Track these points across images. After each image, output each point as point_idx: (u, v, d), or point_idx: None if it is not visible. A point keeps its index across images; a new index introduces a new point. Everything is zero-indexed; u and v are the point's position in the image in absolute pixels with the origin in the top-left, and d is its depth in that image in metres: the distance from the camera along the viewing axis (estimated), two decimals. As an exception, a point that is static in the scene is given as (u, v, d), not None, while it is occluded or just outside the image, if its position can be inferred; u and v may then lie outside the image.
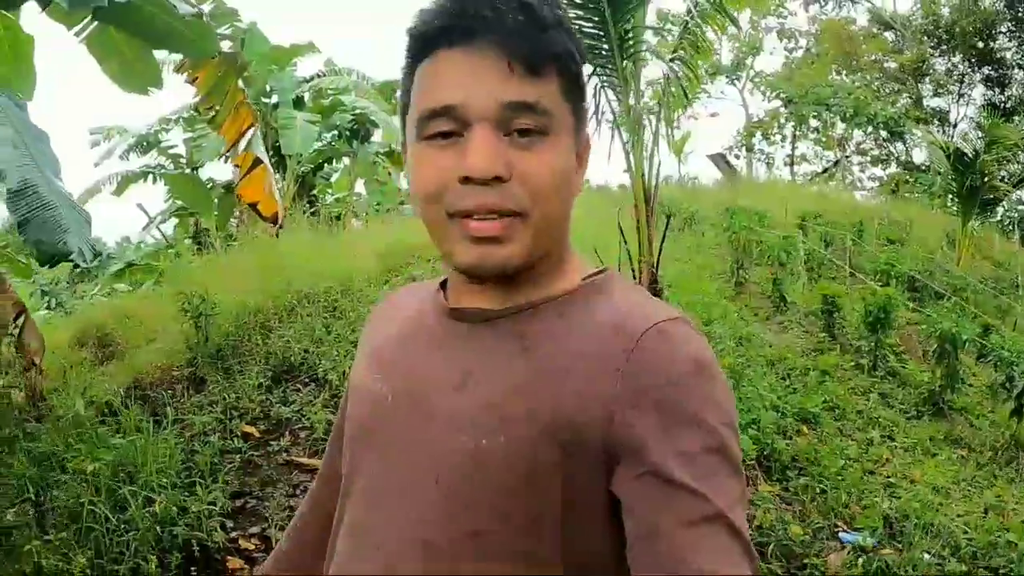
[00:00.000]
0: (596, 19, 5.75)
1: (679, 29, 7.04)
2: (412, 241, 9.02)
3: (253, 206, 7.42)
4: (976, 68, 29.22)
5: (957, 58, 29.74)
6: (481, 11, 1.01)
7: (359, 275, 7.70)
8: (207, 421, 5.28)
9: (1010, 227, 22.38)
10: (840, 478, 5.43)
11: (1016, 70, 28.61)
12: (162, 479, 4.39)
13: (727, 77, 32.53)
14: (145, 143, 15.32)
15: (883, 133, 28.30)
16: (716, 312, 8.14)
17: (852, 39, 32.24)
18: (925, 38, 29.92)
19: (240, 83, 6.95)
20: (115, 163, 15.20)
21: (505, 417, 1.01)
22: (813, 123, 30.22)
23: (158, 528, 4.09)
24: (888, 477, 5.78)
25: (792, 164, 32.64)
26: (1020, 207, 24.17)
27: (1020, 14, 27.60)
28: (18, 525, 4.32)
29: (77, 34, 5.51)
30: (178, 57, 8.31)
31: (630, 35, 5.98)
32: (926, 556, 4.38)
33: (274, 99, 14.18)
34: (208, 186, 14.38)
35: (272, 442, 5.19)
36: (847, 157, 32.06)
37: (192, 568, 4.04)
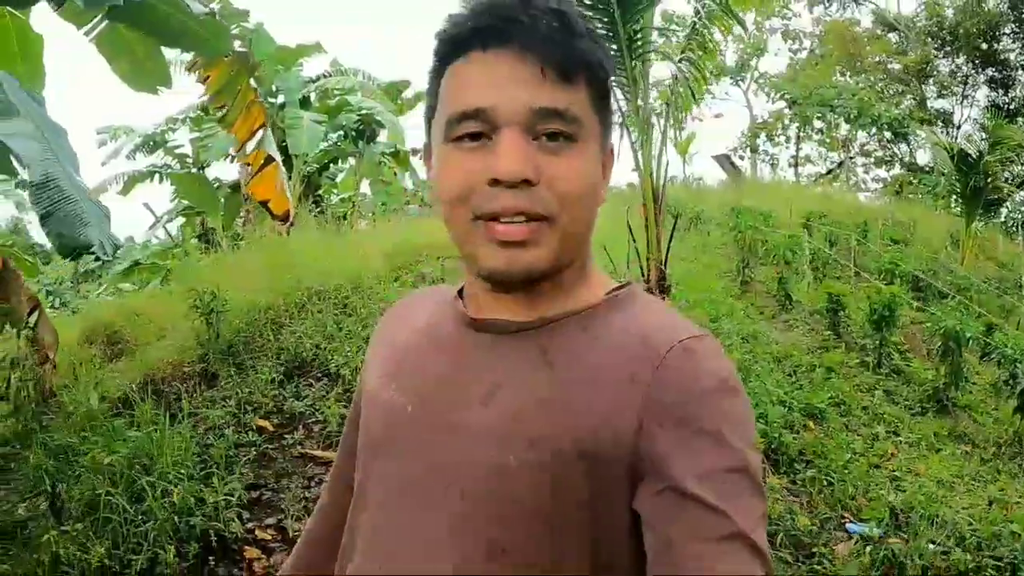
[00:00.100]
0: (605, 20, 5.81)
1: (687, 30, 7.09)
2: (419, 241, 9.08)
3: (264, 204, 7.46)
4: (980, 69, 29.27)
5: (961, 59, 29.79)
6: (515, 15, 1.01)
7: (368, 273, 7.74)
8: (221, 415, 5.32)
9: (1014, 228, 22.40)
10: (846, 471, 5.49)
11: (1020, 71, 28.66)
12: (178, 471, 4.42)
13: (731, 78, 32.61)
14: (152, 143, 15.39)
15: (887, 134, 28.31)
16: (723, 310, 8.20)
17: (856, 40, 32.29)
18: (929, 39, 29.95)
19: (252, 82, 7.00)
20: (122, 163, 15.28)
21: (532, 431, 1.00)
22: (817, 124, 30.23)
23: (175, 518, 4.13)
24: (893, 471, 5.83)
25: (796, 165, 32.71)
26: (1024, 208, 24.19)
27: (1024, 16, 27.63)
28: (34, 516, 4.38)
29: (87, 33, 5.54)
30: (187, 57, 8.41)
31: (639, 36, 6.04)
32: (931, 546, 4.44)
33: (280, 99, 14.24)
34: (215, 186, 14.43)
35: (286, 435, 5.24)
36: (851, 158, 32.12)
37: (210, 558, 4.08)
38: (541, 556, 0.99)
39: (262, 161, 7.05)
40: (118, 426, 4.89)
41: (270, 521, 4.43)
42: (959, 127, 30.20)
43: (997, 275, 14.67)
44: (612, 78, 1.11)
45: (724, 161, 22.83)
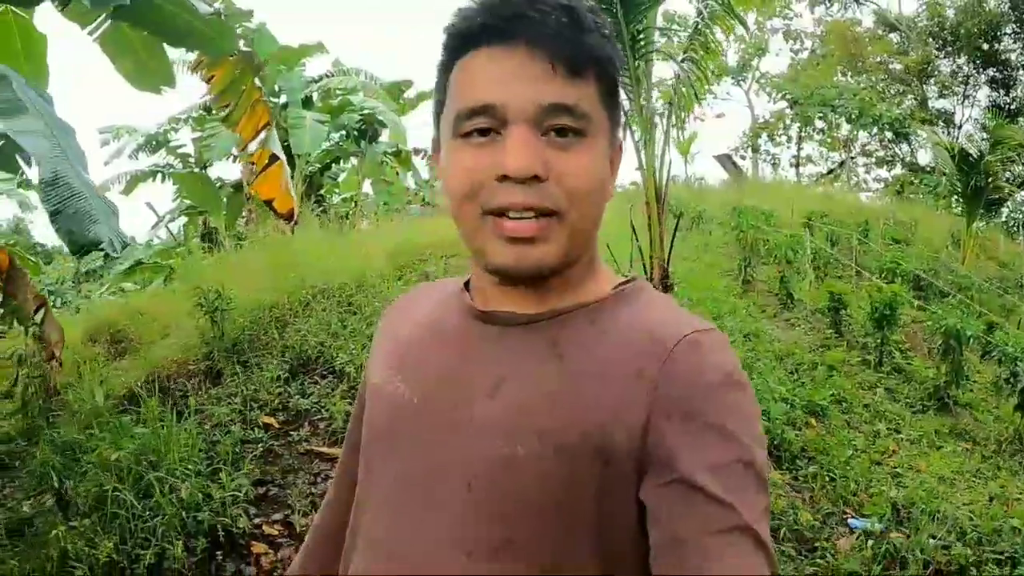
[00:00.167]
0: (609, 19, 5.84)
1: (689, 30, 7.13)
2: (422, 240, 9.12)
3: (269, 203, 7.49)
4: (981, 70, 29.28)
5: (962, 60, 29.81)
6: (524, 11, 1.00)
7: (372, 272, 7.77)
8: (227, 412, 5.36)
9: (1015, 228, 22.43)
10: (848, 467, 5.52)
11: (1021, 72, 28.67)
12: (185, 467, 4.45)
13: (733, 78, 32.64)
14: (154, 142, 15.42)
15: (888, 134, 28.36)
16: (725, 308, 8.23)
17: (857, 40, 32.29)
18: (930, 40, 29.96)
19: (256, 81, 7.04)
20: (124, 162, 15.30)
21: (540, 424, 1.00)
22: (818, 124, 30.28)
23: (183, 514, 4.16)
24: (895, 467, 5.87)
25: (797, 165, 32.73)
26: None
27: (1025, 16, 27.65)
28: (40, 513, 4.41)
29: (91, 33, 5.56)
30: (190, 57, 8.45)
31: (642, 36, 6.09)
32: (932, 541, 4.48)
33: (283, 99, 14.26)
34: (217, 185, 14.46)
35: (292, 432, 5.27)
36: (852, 158, 32.14)
37: (218, 553, 4.12)
38: (548, 550, 0.98)
39: (266, 160, 7.08)
40: (125, 423, 4.92)
41: (277, 517, 4.46)
42: (960, 127, 30.25)
43: (998, 275, 14.70)
44: (622, 73, 1.12)
45: (726, 161, 22.88)
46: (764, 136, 32.92)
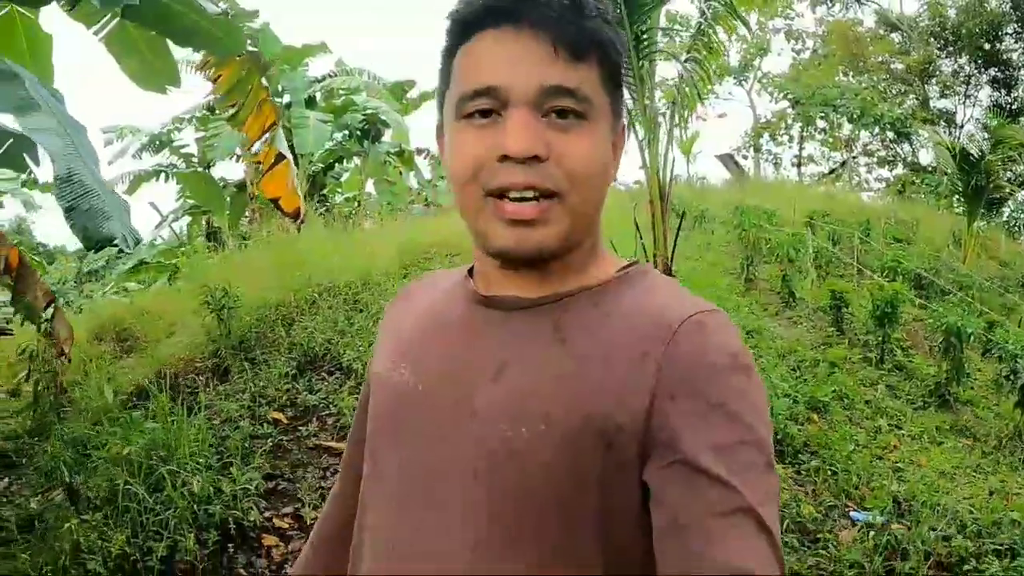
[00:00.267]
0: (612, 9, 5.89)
1: (692, 31, 7.19)
2: (426, 240, 9.17)
3: (275, 202, 7.52)
4: (983, 69, 29.28)
5: (963, 59, 29.80)
6: None
7: (377, 271, 7.83)
8: (235, 408, 5.42)
9: (1016, 227, 22.45)
10: (850, 462, 5.56)
11: (1022, 71, 28.66)
12: (196, 461, 4.51)
13: (735, 78, 32.67)
14: (158, 142, 15.45)
15: (890, 134, 28.37)
16: (728, 306, 8.26)
17: (859, 40, 32.28)
18: (932, 39, 29.96)
19: (263, 81, 7.08)
20: (128, 162, 15.34)
21: (544, 407, 1.00)
22: (820, 124, 30.28)
23: (195, 507, 4.21)
24: (896, 462, 5.90)
25: (799, 165, 32.71)
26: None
27: (1026, 16, 27.67)
28: (49, 508, 4.45)
29: (96, 33, 5.59)
30: (196, 57, 8.48)
31: (645, 36, 6.14)
32: (933, 533, 4.53)
33: (286, 99, 14.31)
34: (220, 185, 14.49)
35: (300, 427, 5.33)
36: (854, 158, 32.12)
37: (229, 545, 4.18)
38: (553, 535, 0.98)
39: (273, 159, 7.12)
40: (136, 418, 4.97)
41: (287, 510, 4.52)
42: (962, 127, 30.23)
43: (999, 274, 14.72)
44: (624, 58, 1.11)
45: (728, 160, 22.92)
46: (766, 136, 32.93)
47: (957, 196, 18.56)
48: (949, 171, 17.27)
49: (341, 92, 15.17)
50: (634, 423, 0.96)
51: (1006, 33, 28.69)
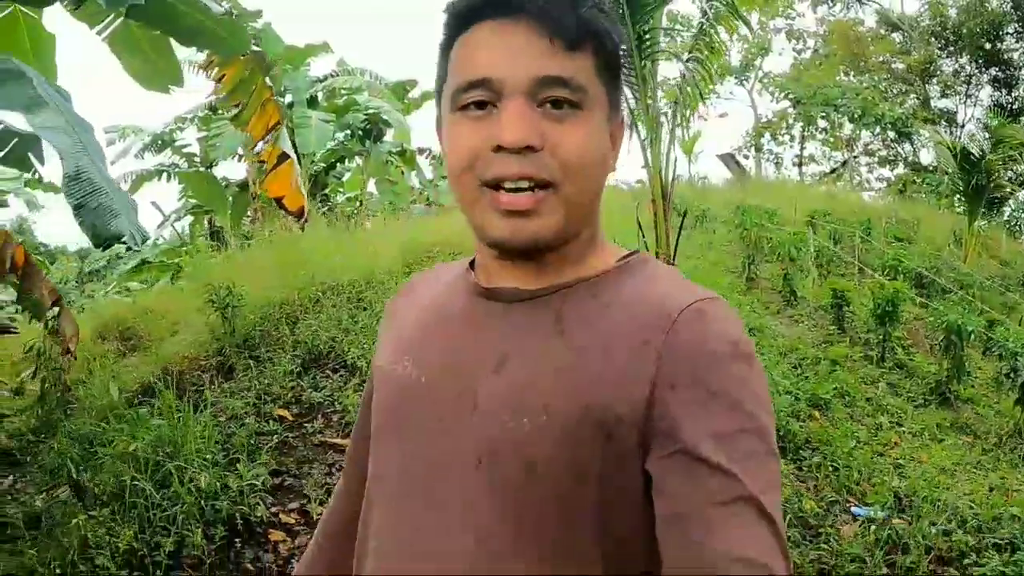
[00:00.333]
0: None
1: (693, 31, 7.22)
2: (428, 239, 9.17)
3: (278, 201, 7.54)
4: (983, 69, 29.29)
5: (964, 59, 29.81)
6: None
7: (380, 269, 7.85)
8: (241, 405, 5.45)
9: (1017, 227, 22.45)
10: (851, 458, 5.60)
11: (1023, 71, 28.67)
12: (202, 458, 4.54)
13: (736, 78, 32.68)
14: (160, 142, 15.45)
15: (891, 134, 28.39)
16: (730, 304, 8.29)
17: (860, 40, 32.29)
18: (932, 39, 29.97)
19: (267, 80, 7.10)
20: (130, 161, 15.35)
21: (544, 399, 1.00)
22: (821, 124, 30.28)
23: (202, 503, 4.24)
24: (897, 459, 5.94)
25: (800, 164, 32.70)
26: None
27: (1027, 15, 27.67)
28: (55, 504, 4.48)
29: (99, 32, 5.60)
30: (199, 56, 8.50)
31: (648, 36, 6.17)
32: (933, 528, 4.57)
33: (288, 98, 14.32)
34: (223, 185, 14.51)
35: (306, 424, 5.36)
36: (855, 157, 32.15)
37: (236, 540, 4.21)
38: (553, 531, 0.98)
39: (276, 158, 7.14)
40: (142, 414, 5.00)
41: (293, 505, 4.56)
42: (962, 126, 30.24)
43: (1000, 273, 14.74)
44: (622, 47, 1.11)
45: (729, 160, 22.93)
46: (767, 135, 32.95)
47: (958, 195, 18.57)
48: (950, 171, 17.27)
49: (343, 92, 15.18)
50: (634, 413, 0.96)
51: (1007, 33, 28.69)
